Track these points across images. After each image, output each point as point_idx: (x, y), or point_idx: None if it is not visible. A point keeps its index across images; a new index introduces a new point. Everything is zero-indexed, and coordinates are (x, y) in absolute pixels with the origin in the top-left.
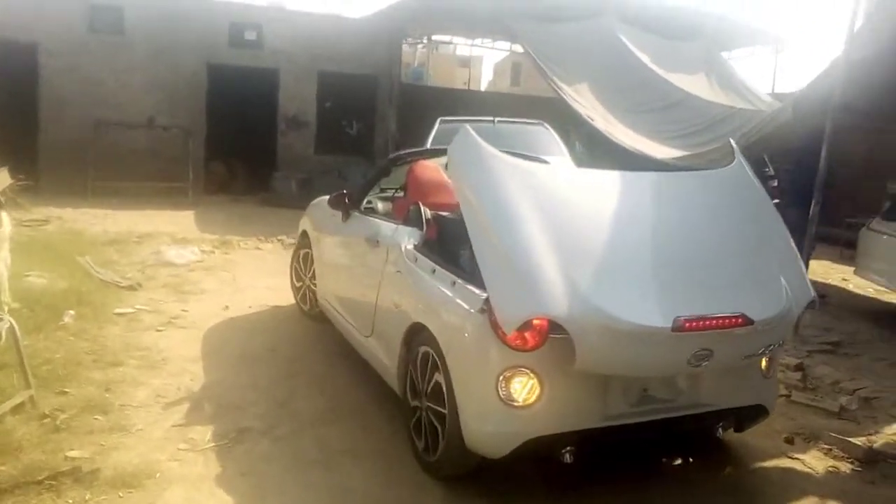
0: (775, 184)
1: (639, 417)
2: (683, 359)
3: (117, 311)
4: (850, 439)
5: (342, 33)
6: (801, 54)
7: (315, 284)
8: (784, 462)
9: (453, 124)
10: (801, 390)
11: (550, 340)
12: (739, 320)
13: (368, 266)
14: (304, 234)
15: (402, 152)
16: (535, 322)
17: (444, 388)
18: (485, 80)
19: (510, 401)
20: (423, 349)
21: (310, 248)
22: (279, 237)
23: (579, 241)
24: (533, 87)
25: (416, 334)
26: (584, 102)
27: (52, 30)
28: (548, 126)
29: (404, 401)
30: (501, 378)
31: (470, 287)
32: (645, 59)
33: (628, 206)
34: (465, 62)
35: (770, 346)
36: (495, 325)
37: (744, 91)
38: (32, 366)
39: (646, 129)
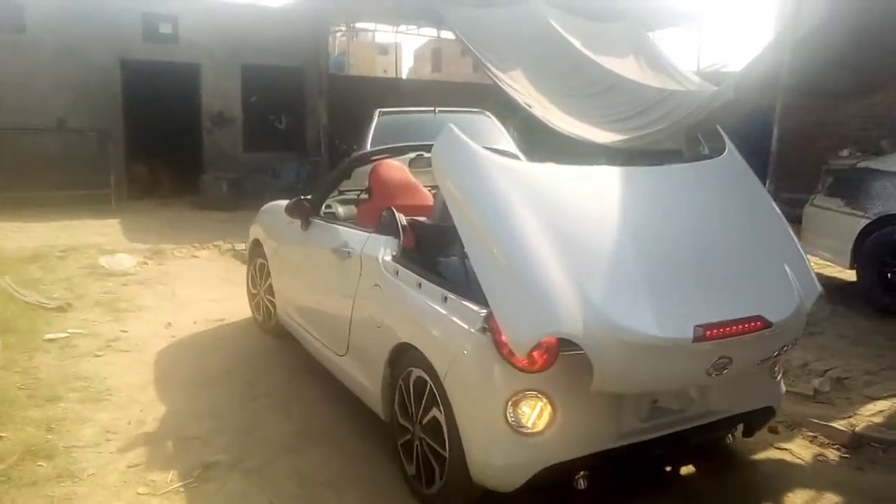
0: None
1: (652, 433)
2: (703, 370)
3: (48, 336)
4: (832, 425)
5: (265, 23)
6: (724, 32)
7: (271, 298)
8: (772, 454)
9: (393, 116)
10: None
11: (560, 358)
12: (759, 324)
13: (339, 280)
14: (257, 243)
15: (364, 151)
16: (545, 340)
17: (443, 417)
18: (406, 68)
19: (520, 428)
20: (414, 372)
21: (264, 258)
22: (215, 243)
23: (586, 246)
24: (455, 74)
25: (403, 355)
26: (520, 89)
27: None
28: (489, 114)
29: (391, 426)
30: (510, 404)
31: (465, 303)
32: (576, 42)
33: (630, 205)
34: (385, 49)
35: (784, 346)
36: (500, 345)
37: (672, 72)
38: None
39: (583, 114)
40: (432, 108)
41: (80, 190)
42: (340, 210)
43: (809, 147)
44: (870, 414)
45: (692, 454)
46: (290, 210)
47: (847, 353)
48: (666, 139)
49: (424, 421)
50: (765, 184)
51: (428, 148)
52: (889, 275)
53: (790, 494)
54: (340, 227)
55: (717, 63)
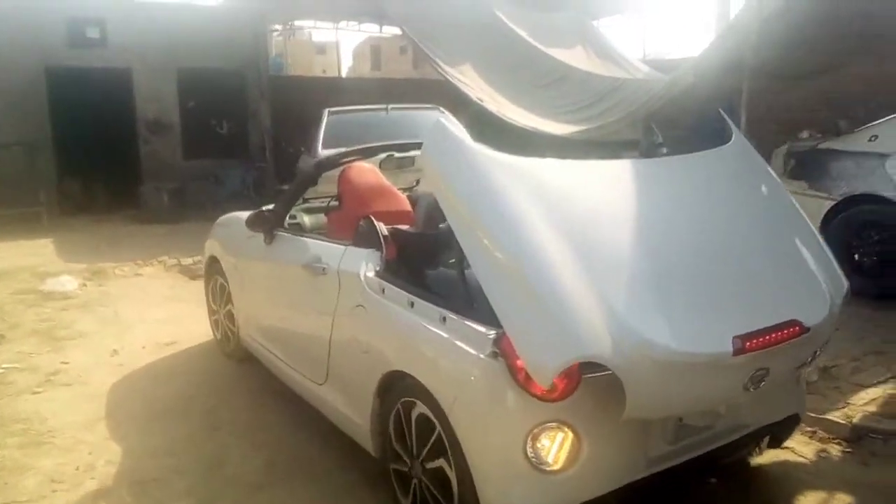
0: (664, 151)
1: (680, 456)
2: (740, 384)
3: None
4: (829, 417)
5: (200, 24)
6: (667, 19)
7: (231, 320)
8: (776, 453)
9: (344, 115)
10: None
11: (583, 382)
12: (796, 329)
13: (313, 300)
14: (213, 260)
15: (332, 154)
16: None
17: (450, 455)
18: (345, 67)
19: (541, 465)
20: (411, 404)
21: (223, 276)
22: (159, 258)
23: (604, 252)
24: (395, 71)
25: (396, 384)
26: (470, 83)
27: None
28: (443, 110)
29: (382, 462)
30: (529, 437)
31: (469, 323)
32: (524, 34)
33: (645, 202)
34: (323, 49)
35: (817, 350)
36: (515, 371)
37: (620, 61)
38: None
39: (536, 106)
40: (384, 106)
41: (7, 209)
42: (307, 220)
43: (764, 130)
44: (863, 403)
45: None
46: (251, 223)
47: None
48: (625, 129)
49: (426, 458)
50: None
51: (398, 148)
52: (856, 256)
53: (801, 497)
54: (310, 240)
55: (660, 51)
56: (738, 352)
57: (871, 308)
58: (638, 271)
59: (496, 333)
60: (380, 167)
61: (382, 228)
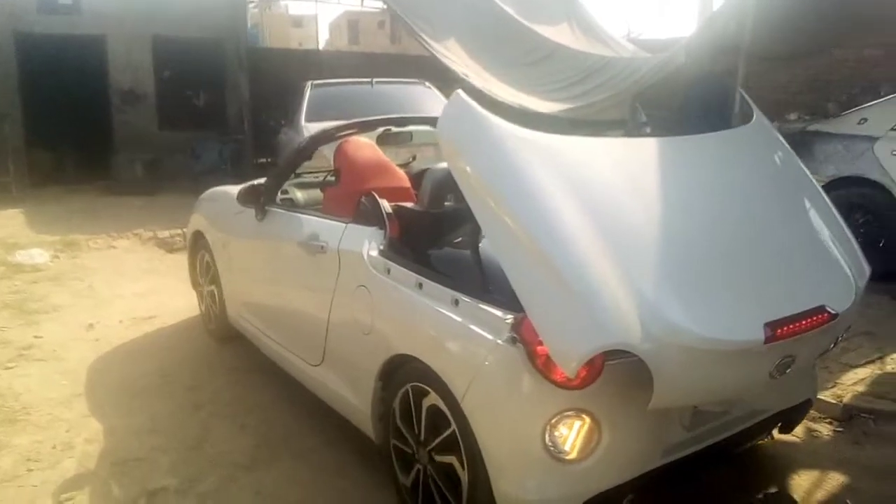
0: (648, 130)
1: (697, 444)
2: (766, 372)
3: None
4: (820, 398)
5: None
6: None
7: (218, 297)
8: None
9: (327, 88)
10: None
11: (606, 369)
12: (825, 316)
13: (310, 279)
14: (199, 235)
15: (328, 128)
16: None
17: (461, 443)
18: (321, 40)
19: (560, 454)
20: (418, 389)
21: (209, 252)
22: (135, 231)
23: (632, 234)
24: (373, 45)
25: (400, 367)
26: (455, 59)
27: None
28: (429, 84)
29: (383, 447)
30: (548, 426)
31: (484, 306)
32: (510, 10)
33: (671, 183)
34: (299, 22)
35: (839, 336)
36: (535, 357)
37: (606, 39)
38: None
39: (522, 83)
40: (369, 80)
41: None
42: (300, 195)
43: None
44: (852, 383)
45: None
46: (242, 198)
47: None
48: (612, 108)
49: (435, 447)
50: None
51: (396, 122)
52: None
53: (796, 477)
54: (307, 217)
55: (634, 31)
56: (769, 339)
57: None
58: (665, 254)
59: (514, 318)
60: (376, 142)
61: (386, 206)
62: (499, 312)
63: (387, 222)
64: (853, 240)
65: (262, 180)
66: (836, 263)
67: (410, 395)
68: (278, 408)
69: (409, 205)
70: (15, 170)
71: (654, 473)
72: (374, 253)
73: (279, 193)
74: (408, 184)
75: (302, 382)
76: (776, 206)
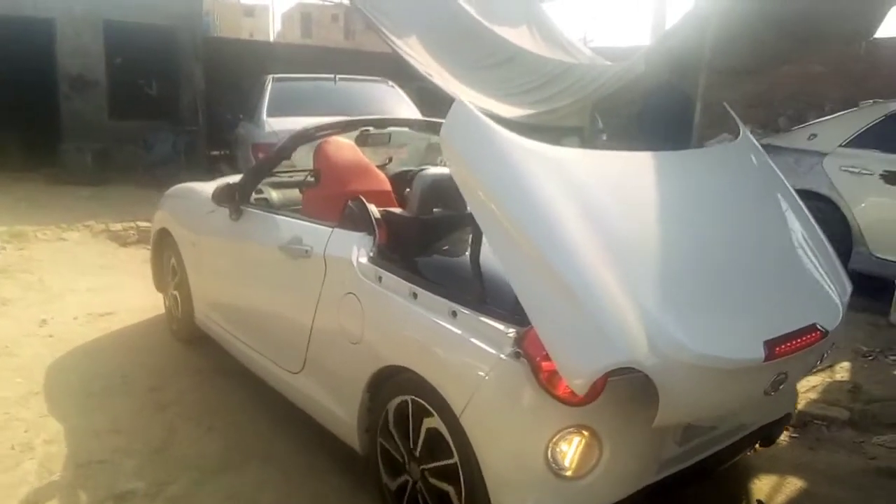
0: (604, 137)
1: (689, 458)
2: (761, 389)
3: None
4: None
5: None
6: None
7: (184, 298)
8: None
9: (289, 83)
10: None
11: (607, 385)
12: (817, 334)
13: (292, 284)
14: (164, 233)
15: (309, 127)
16: None
17: (458, 460)
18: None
19: (562, 471)
20: (411, 403)
21: (175, 251)
22: (86, 223)
23: (636, 250)
24: (326, 39)
25: (391, 378)
26: (418, 57)
27: None
28: (393, 83)
29: (370, 461)
30: (552, 443)
31: (485, 319)
32: (471, 10)
33: (668, 198)
34: (251, 11)
35: (825, 353)
36: (538, 372)
37: (566, 44)
38: None
39: (484, 86)
40: (332, 76)
41: None
42: (275, 195)
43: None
44: (805, 390)
45: None
46: (218, 197)
47: None
48: (573, 115)
49: (427, 461)
50: None
51: (376, 123)
52: None
53: (756, 481)
54: (288, 219)
55: (584, 37)
56: (768, 357)
57: None
58: (667, 270)
59: (516, 332)
60: (357, 142)
61: (374, 211)
62: (500, 326)
63: (376, 228)
64: (836, 257)
65: (237, 178)
66: (823, 281)
67: (402, 407)
68: (246, 410)
69: (397, 210)
70: None
71: (649, 490)
72: (364, 260)
73: (253, 193)
74: (389, 187)
75: (278, 389)
76: (766, 223)
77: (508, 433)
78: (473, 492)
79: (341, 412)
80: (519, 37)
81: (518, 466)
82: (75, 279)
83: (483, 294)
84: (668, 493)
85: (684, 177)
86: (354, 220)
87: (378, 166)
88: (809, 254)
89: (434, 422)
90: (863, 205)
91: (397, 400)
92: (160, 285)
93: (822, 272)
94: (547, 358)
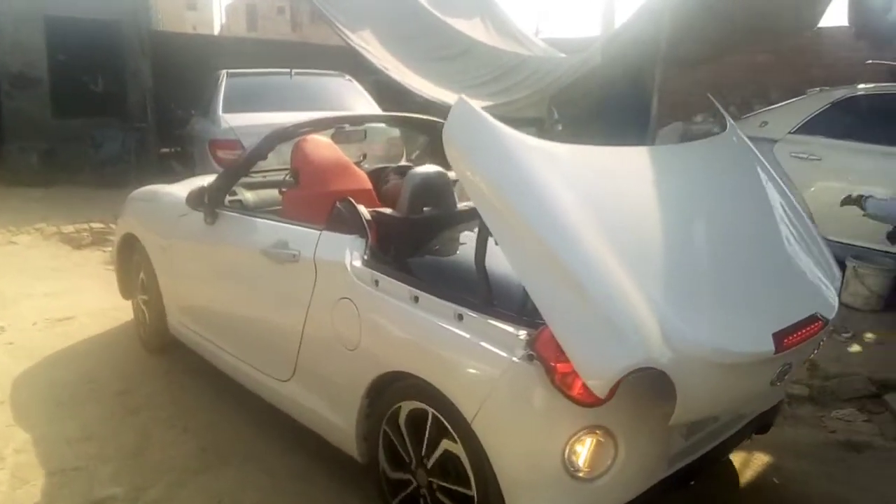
0: (560, 128)
1: (695, 452)
2: (769, 381)
3: None
4: None
5: None
6: None
7: (149, 306)
8: None
9: (244, 78)
10: None
11: (621, 383)
12: (819, 324)
13: (279, 289)
14: (131, 239)
15: (287, 126)
16: None
17: (469, 467)
18: (217, 24)
19: (579, 472)
20: (417, 409)
21: (145, 257)
22: (36, 226)
23: (645, 247)
24: (272, 32)
25: (392, 384)
26: (373, 51)
27: None
28: (350, 77)
29: (371, 468)
30: (568, 445)
31: (494, 322)
32: (425, 2)
33: (671, 192)
34: (193, 4)
35: (820, 341)
36: (553, 373)
37: (520, 36)
38: None
39: (440, 78)
40: (287, 70)
41: None
42: (249, 197)
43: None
44: None
45: None
46: (192, 201)
47: None
48: (530, 106)
49: (436, 467)
50: None
51: (352, 120)
52: None
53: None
54: (270, 222)
55: (536, 29)
56: (779, 349)
57: None
58: (675, 265)
59: (527, 333)
60: (332, 137)
61: (364, 212)
62: (510, 328)
63: (368, 230)
64: (825, 246)
65: (208, 179)
66: (817, 270)
67: (419, 417)
68: (221, 410)
69: (387, 211)
70: None
71: (659, 486)
72: (358, 263)
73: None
74: (370, 185)
75: (263, 397)
76: (761, 215)
77: (524, 437)
78: (486, 499)
79: (337, 419)
80: (473, 29)
81: (535, 470)
82: (30, 284)
83: (490, 296)
84: (677, 488)
85: (683, 171)
86: (344, 221)
87: (353, 164)
88: (803, 244)
89: (444, 430)
90: (812, 189)
91: (400, 405)
92: (126, 293)
93: (816, 262)
94: (561, 359)
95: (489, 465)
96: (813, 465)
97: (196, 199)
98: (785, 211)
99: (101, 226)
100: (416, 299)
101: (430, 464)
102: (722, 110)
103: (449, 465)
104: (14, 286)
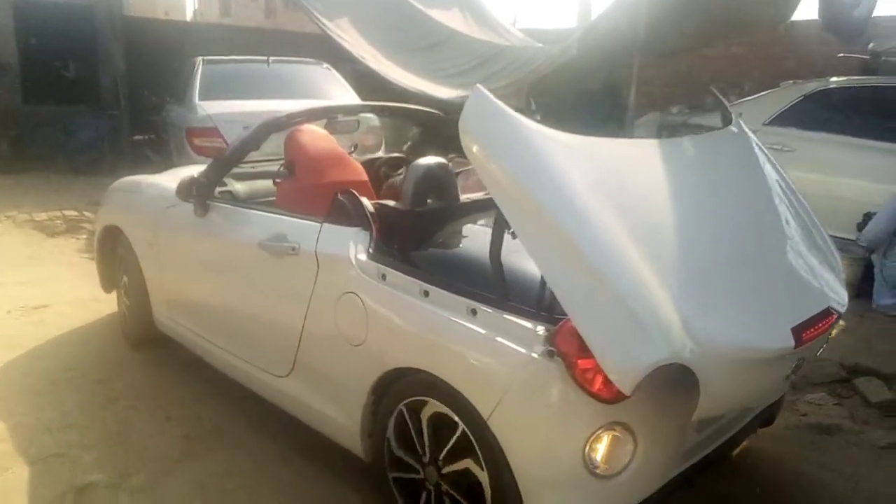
0: (538, 118)
1: (708, 446)
2: (784, 375)
3: None
4: None
5: None
6: None
7: (132, 299)
8: None
9: (221, 65)
10: None
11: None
12: (833, 317)
13: (277, 283)
14: (114, 231)
15: (279, 115)
16: None
17: (483, 461)
18: (189, 9)
19: (598, 470)
20: (427, 406)
21: (129, 249)
22: (7, 213)
23: (666, 241)
24: (247, 19)
25: (399, 380)
26: (351, 40)
27: None
28: (329, 66)
29: (377, 466)
30: (589, 443)
31: (510, 317)
32: None
33: (687, 184)
34: None
35: (829, 334)
36: (574, 371)
37: (497, 26)
38: None
39: (419, 68)
40: (265, 58)
41: None
42: (239, 188)
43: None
44: None
45: None
46: (182, 192)
47: None
48: (510, 96)
49: (449, 468)
50: None
51: (345, 110)
52: None
53: None
54: (267, 214)
55: (514, 20)
56: (798, 344)
57: None
58: (694, 259)
59: (547, 329)
60: (326, 127)
61: (368, 204)
62: (528, 324)
63: (372, 223)
64: (829, 238)
65: (197, 169)
66: (826, 263)
67: (417, 414)
68: (202, 398)
69: (391, 203)
70: None
71: (675, 481)
72: (363, 257)
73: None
74: (366, 177)
75: (259, 393)
76: (771, 208)
77: (544, 434)
78: (504, 498)
79: (340, 416)
80: (451, 19)
81: (554, 468)
82: (2, 272)
83: (505, 290)
84: (690, 484)
85: (694, 164)
86: (346, 213)
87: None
88: (811, 237)
89: (455, 424)
90: None
91: (409, 401)
92: (108, 286)
93: (823, 255)
94: (582, 355)
95: (506, 463)
96: (785, 447)
97: (186, 189)
98: (792, 203)
99: (75, 213)
100: (426, 294)
101: (445, 469)
102: (725, 103)
103: (463, 480)
104: None
